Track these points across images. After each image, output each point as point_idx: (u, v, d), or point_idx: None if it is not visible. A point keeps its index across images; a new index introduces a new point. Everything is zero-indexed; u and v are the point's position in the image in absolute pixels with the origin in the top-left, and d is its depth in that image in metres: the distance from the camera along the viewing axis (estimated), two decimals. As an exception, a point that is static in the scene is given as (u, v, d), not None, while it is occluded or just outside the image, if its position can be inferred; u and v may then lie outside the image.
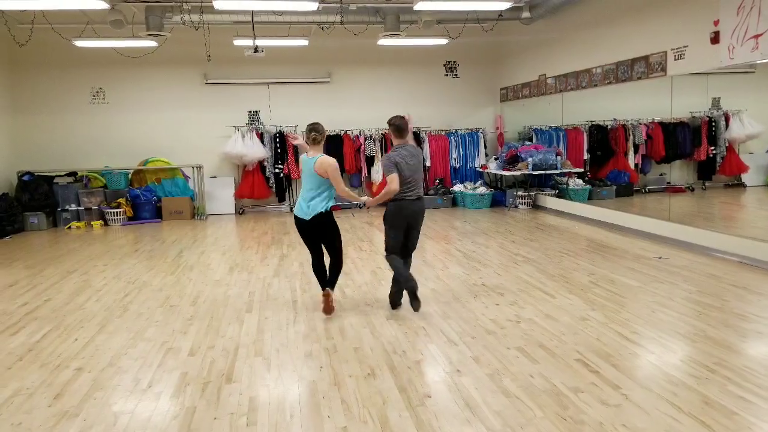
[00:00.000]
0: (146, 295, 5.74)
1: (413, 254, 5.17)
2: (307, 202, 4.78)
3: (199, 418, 3.22)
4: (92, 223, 10.27)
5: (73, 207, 10.37)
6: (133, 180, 10.97)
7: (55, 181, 10.43)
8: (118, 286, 6.08)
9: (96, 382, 3.72)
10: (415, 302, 4.83)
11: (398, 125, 4.90)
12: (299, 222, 4.85)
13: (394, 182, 4.71)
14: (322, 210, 4.76)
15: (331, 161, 4.76)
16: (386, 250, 4.99)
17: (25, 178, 10.23)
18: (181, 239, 8.79)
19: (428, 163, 11.72)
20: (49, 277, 6.55)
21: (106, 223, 10.38)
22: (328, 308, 4.90)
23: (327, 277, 5.01)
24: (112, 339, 4.51)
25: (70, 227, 10.18)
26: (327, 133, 11.77)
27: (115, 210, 10.35)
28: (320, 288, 5.06)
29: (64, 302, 5.55)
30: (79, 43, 9.64)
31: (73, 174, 10.65)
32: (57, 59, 10.82)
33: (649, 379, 3.56)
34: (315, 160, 4.72)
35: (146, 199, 10.65)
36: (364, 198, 5.14)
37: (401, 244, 4.97)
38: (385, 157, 4.89)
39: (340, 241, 4.96)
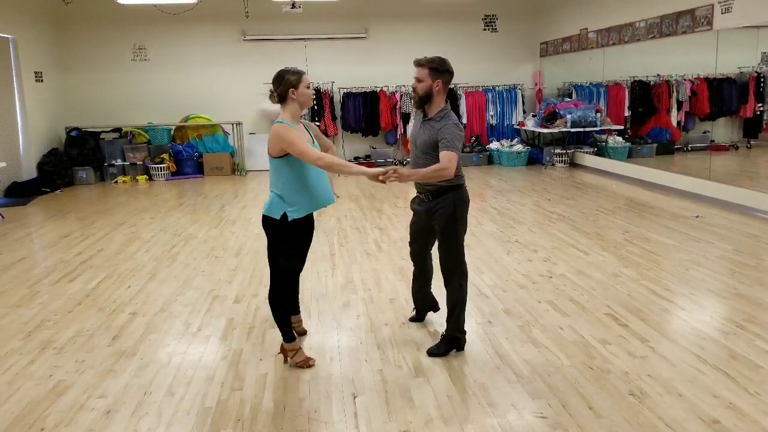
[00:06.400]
0: (192, 246, 6.02)
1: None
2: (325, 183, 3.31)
3: (246, 359, 3.46)
4: (137, 177, 10.65)
5: (119, 162, 10.75)
6: (175, 136, 11.25)
7: (101, 136, 10.79)
8: (165, 238, 6.38)
9: (149, 326, 4.00)
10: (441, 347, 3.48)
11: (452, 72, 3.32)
12: (305, 219, 3.28)
13: (453, 162, 3.16)
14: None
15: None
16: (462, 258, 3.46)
17: (73, 133, 10.61)
18: (222, 194, 9.07)
19: (464, 120, 11.67)
20: (100, 229, 6.91)
21: (150, 178, 10.75)
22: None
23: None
24: (162, 287, 4.80)
25: (116, 181, 10.58)
26: (363, 90, 11.98)
27: (159, 165, 10.69)
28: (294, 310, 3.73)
29: (115, 252, 5.88)
30: (121, 0, 9.81)
31: (118, 130, 10.99)
32: (100, 16, 11.03)
33: (676, 333, 3.64)
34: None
35: (188, 154, 10.94)
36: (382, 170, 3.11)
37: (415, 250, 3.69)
38: (453, 123, 3.23)
39: None
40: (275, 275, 3.28)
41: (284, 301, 3.32)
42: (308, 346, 3.62)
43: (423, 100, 3.30)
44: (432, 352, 3.43)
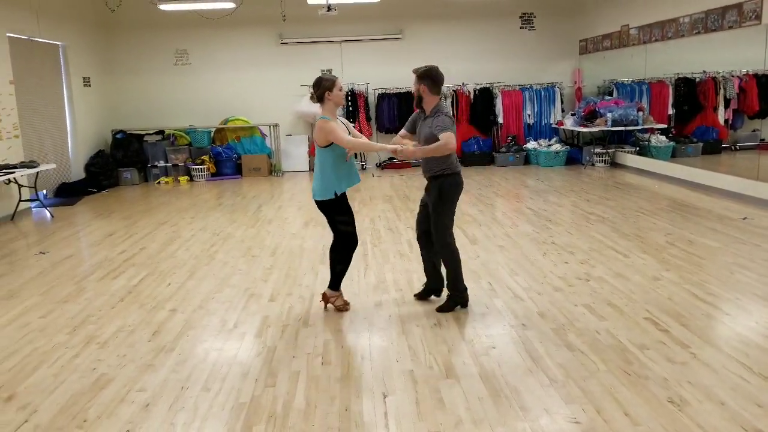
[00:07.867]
0: (230, 245, 6.14)
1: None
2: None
3: (279, 356, 3.51)
4: (179, 178, 10.91)
5: (162, 163, 11.04)
6: (215, 138, 11.49)
7: (144, 139, 11.11)
8: (205, 237, 6.52)
9: (188, 322, 4.10)
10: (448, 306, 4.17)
11: (435, 77, 3.97)
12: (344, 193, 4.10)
13: (451, 139, 3.80)
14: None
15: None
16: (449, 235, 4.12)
17: (119, 136, 10.97)
18: (259, 195, 9.21)
19: (501, 120, 11.56)
20: (143, 228, 7.10)
21: (191, 179, 11.00)
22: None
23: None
24: (201, 284, 4.91)
25: (159, 182, 10.87)
26: (398, 90, 11.96)
27: (200, 166, 10.93)
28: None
29: (157, 250, 6.04)
30: (164, 7, 10.07)
31: (160, 132, 11.30)
32: (144, 23, 11.35)
33: (720, 339, 3.52)
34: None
35: (227, 156, 11.16)
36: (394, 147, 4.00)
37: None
38: (443, 114, 3.93)
39: None
40: (344, 241, 4.08)
41: (349, 260, 4.16)
42: (339, 345, 3.64)
43: (419, 101, 4.04)
44: (439, 308, 4.10)
